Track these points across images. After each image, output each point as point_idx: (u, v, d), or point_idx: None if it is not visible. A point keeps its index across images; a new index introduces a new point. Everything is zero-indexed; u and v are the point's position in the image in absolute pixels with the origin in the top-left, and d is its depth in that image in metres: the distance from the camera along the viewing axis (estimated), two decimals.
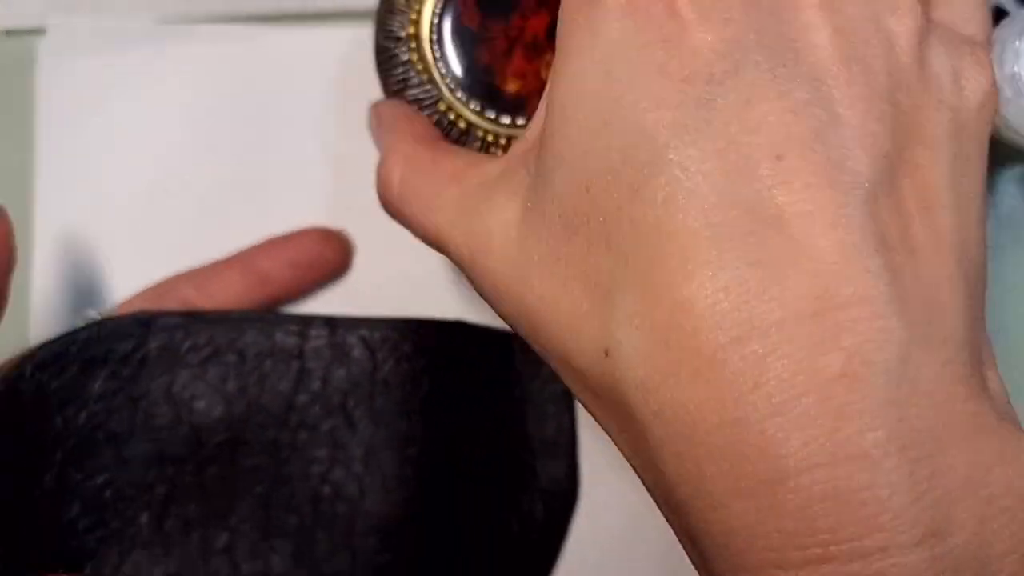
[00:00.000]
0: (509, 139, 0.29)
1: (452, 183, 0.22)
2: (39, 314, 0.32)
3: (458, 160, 0.23)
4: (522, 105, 0.29)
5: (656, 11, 0.17)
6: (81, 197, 0.34)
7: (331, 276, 0.30)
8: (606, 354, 0.17)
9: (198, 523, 0.26)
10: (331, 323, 0.27)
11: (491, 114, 0.29)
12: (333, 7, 0.34)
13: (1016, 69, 0.28)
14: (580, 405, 0.29)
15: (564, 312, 0.18)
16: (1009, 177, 0.35)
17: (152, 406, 0.26)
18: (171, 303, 0.28)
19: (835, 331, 0.15)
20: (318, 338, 0.27)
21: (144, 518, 0.25)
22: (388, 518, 0.27)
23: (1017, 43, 0.28)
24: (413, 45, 0.29)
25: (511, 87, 0.29)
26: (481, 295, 0.21)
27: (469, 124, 0.29)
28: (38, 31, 0.34)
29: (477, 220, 0.20)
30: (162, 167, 0.34)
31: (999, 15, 0.34)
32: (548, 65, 0.29)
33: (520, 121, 0.29)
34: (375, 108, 0.28)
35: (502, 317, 0.20)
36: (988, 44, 0.20)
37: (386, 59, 0.29)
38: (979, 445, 0.16)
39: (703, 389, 0.16)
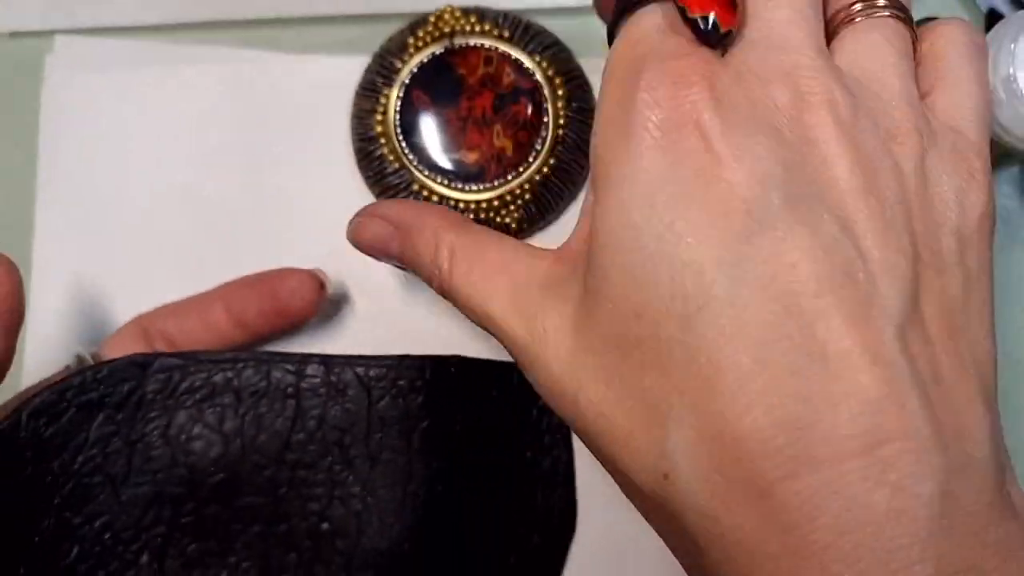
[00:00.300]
0: (476, 203, 0.34)
1: (502, 273, 0.22)
2: (37, 328, 0.34)
3: (503, 249, 0.23)
4: (482, 172, 0.34)
5: (691, 146, 0.18)
6: (81, 222, 0.35)
7: (306, 318, 0.30)
8: (665, 478, 0.18)
9: (197, 562, 0.26)
10: (326, 361, 0.27)
11: (458, 184, 0.34)
12: (335, 11, 0.36)
13: (1011, 71, 0.28)
14: (576, 438, 0.28)
15: (620, 428, 0.19)
16: (1004, 178, 0.35)
17: (149, 448, 0.26)
18: (157, 341, 0.28)
19: (881, 467, 0.16)
20: (313, 376, 0.27)
21: (144, 559, 0.26)
22: (387, 553, 0.27)
23: (1012, 46, 0.29)
24: (383, 141, 0.34)
25: (470, 158, 0.34)
26: (533, 386, 0.21)
27: (441, 197, 0.34)
28: (42, 34, 0.36)
29: (531, 317, 0.21)
30: (164, 186, 0.35)
31: (994, 18, 0.35)
32: (498, 134, 0.34)
33: (484, 186, 0.34)
34: (378, 212, 0.27)
35: (554, 411, 0.21)
36: (983, 142, 0.21)
37: (363, 156, 0.34)
38: (1010, 569, 0.16)
39: (760, 519, 0.16)
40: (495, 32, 0.34)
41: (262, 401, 0.27)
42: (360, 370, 0.28)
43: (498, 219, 0.34)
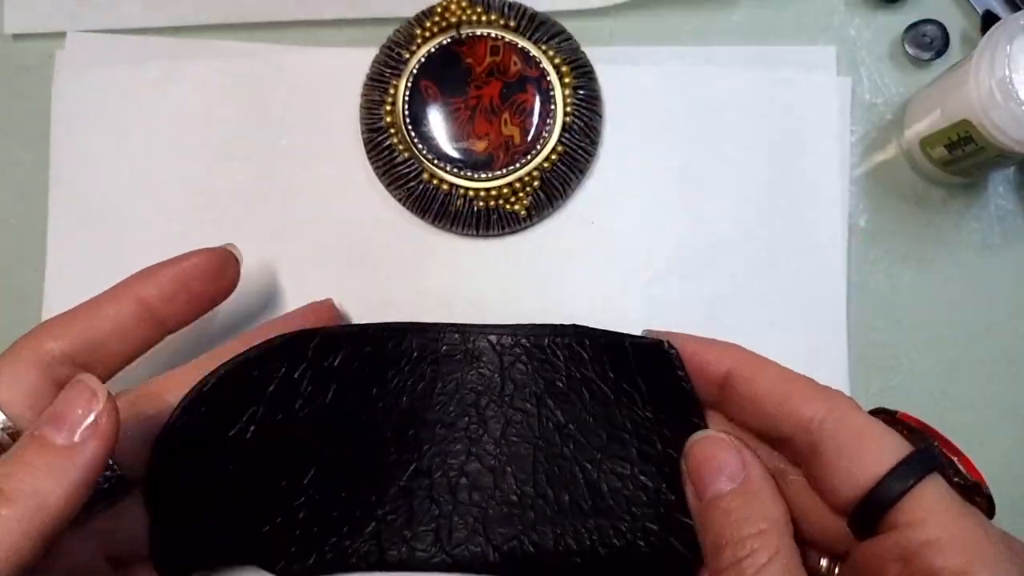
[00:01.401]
0: (486, 191, 0.34)
1: None
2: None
3: None
4: (491, 160, 0.34)
5: None
6: (93, 215, 0.35)
7: (221, 297, 0.30)
8: None
9: (345, 516, 0.30)
10: (462, 330, 0.31)
11: (467, 172, 0.34)
12: (340, 15, 0.36)
13: (1006, 73, 0.29)
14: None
15: None
16: (1000, 179, 0.36)
17: (320, 412, 0.30)
18: (60, 369, 0.26)
19: None
20: (452, 344, 0.30)
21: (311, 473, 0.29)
22: (519, 506, 0.30)
23: (1008, 48, 0.29)
24: (392, 131, 0.34)
25: (479, 147, 0.34)
26: None
27: (451, 185, 0.34)
28: (52, 35, 0.36)
29: None
30: (175, 179, 0.35)
31: (990, 20, 0.35)
32: (506, 122, 0.34)
33: (493, 174, 0.34)
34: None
35: None
36: None
37: (373, 146, 0.35)
38: None
39: None
40: (501, 22, 0.35)
41: (405, 366, 0.30)
42: (493, 338, 0.31)
43: (507, 206, 0.34)
